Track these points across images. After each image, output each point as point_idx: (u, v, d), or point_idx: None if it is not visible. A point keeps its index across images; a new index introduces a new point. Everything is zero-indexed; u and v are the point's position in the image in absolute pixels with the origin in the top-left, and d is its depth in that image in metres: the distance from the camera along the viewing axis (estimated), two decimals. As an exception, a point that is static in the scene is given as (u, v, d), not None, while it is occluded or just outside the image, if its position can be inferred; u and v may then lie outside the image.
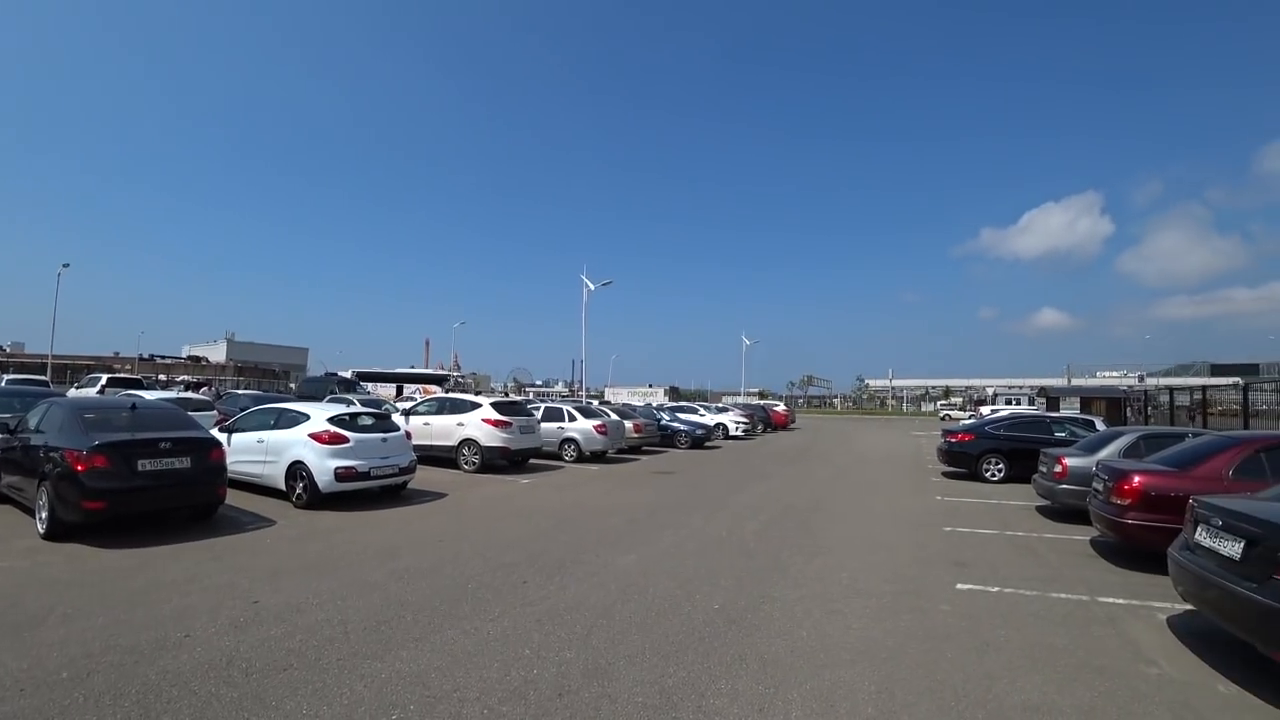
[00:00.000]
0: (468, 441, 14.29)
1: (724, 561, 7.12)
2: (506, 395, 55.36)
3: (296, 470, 9.56)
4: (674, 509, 10.45)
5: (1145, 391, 31.50)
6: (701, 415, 29.09)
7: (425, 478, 12.08)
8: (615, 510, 10.18)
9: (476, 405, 14.90)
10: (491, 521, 9.02)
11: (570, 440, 17.57)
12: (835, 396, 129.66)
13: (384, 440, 10.22)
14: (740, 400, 58.06)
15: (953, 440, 15.62)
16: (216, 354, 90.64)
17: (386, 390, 43.00)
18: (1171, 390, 25.32)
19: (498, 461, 14.36)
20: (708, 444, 25.04)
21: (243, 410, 12.55)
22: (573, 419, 17.95)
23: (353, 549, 7.20)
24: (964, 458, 15.16)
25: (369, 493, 10.31)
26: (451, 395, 17.29)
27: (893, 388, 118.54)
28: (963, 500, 12.09)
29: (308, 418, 10.05)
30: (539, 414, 17.30)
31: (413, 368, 58.03)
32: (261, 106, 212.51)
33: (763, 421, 36.29)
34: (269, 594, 5.50)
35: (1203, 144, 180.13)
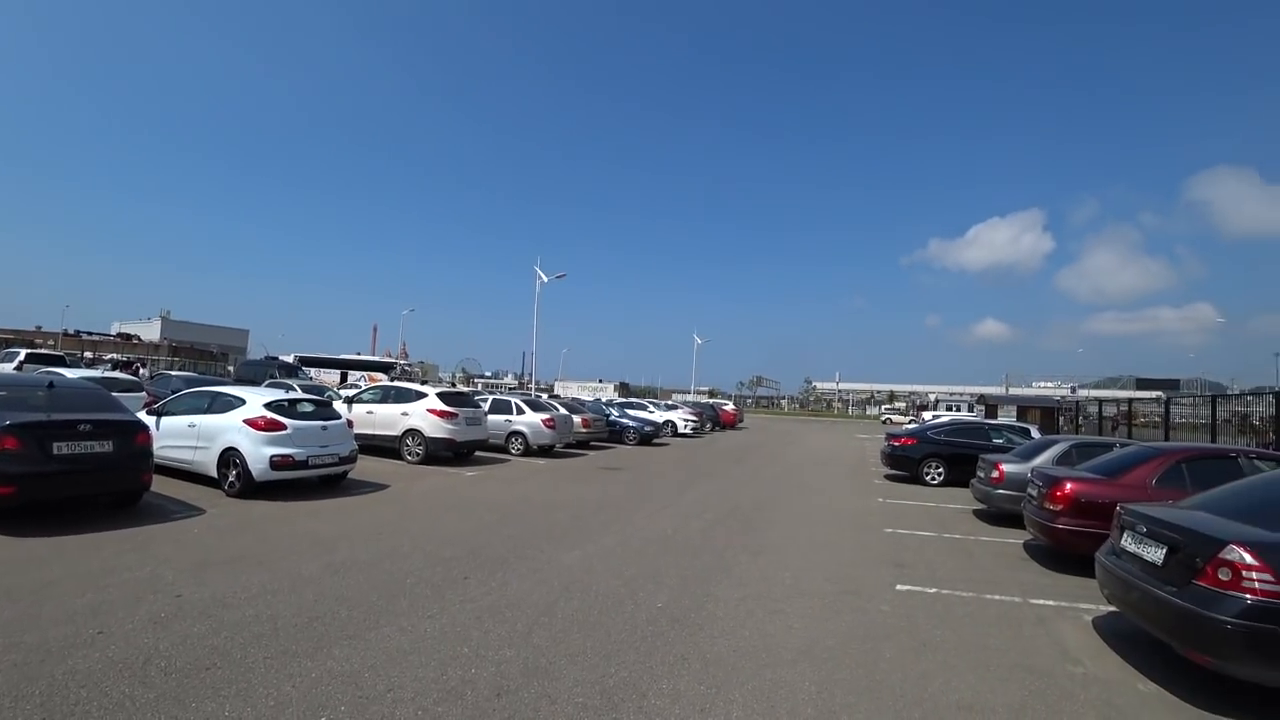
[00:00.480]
0: (412, 432, 13.94)
1: (668, 559, 7.12)
2: (454, 386, 54.49)
3: (229, 457, 9.15)
4: (620, 505, 10.42)
5: (1077, 402, 33.13)
6: (651, 412, 29.15)
7: (366, 468, 11.75)
8: (561, 506, 10.08)
9: (422, 395, 14.56)
10: (434, 514, 8.82)
11: (517, 433, 17.34)
12: (783, 397, 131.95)
13: (324, 428, 9.87)
14: (690, 398, 58.48)
15: (896, 444, 16.04)
16: (149, 332, 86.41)
17: (330, 376, 41.75)
18: (1100, 402, 26.69)
19: (442, 453, 14.07)
20: (656, 441, 25.10)
21: (174, 393, 11.95)
22: (521, 412, 17.72)
23: (287, 541, 6.92)
24: (906, 461, 15.56)
25: (306, 482, 9.96)
26: (396, 384, 16.83)
27: (839, 390, 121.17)
28: (904, 502, 12.40)
29: (244, 402, 9.63)
30: (486, 406, 17.02)
31: (358, 354, 56.43)
32: (208, 91, 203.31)
33: (711, 420, 36.68)
34: (194, 587, 5.22)
35: (1138, 170, 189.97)
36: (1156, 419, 20.56)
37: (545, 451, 17.82)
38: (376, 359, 57.12)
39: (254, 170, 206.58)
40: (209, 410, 9.78)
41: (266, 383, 20.38)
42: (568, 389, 78.40)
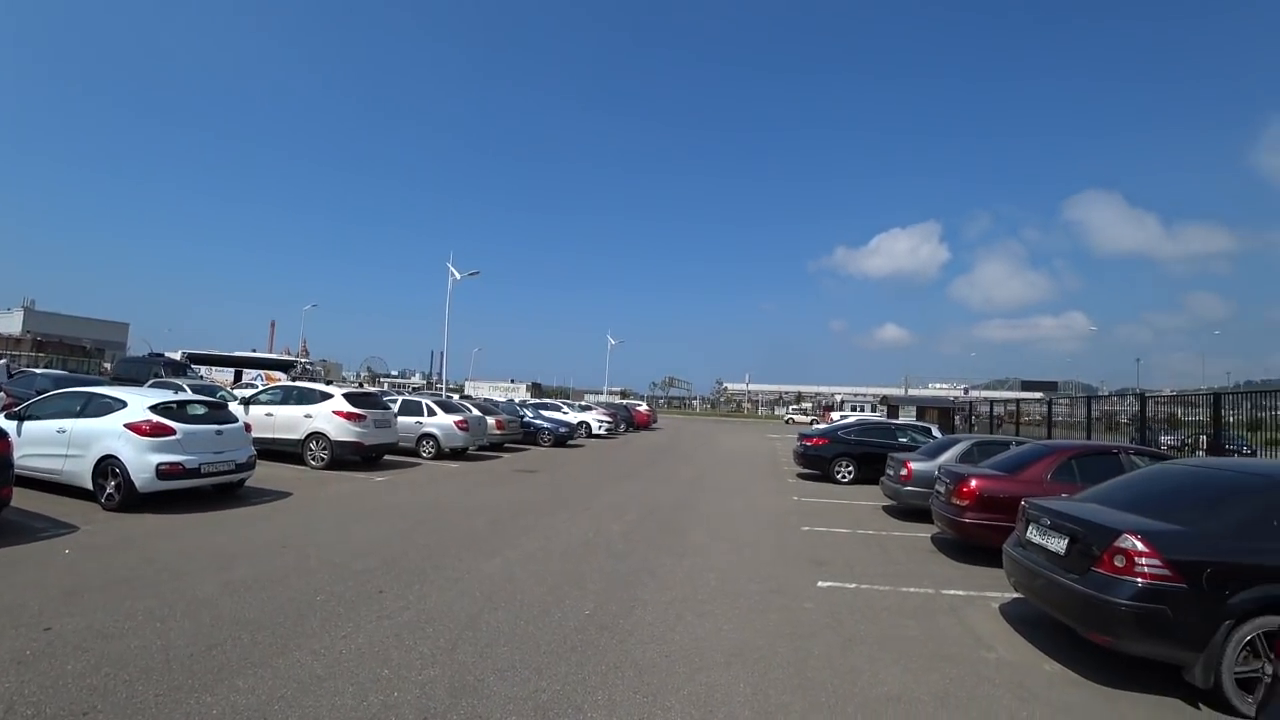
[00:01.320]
0: (316, 435, 13.14)
1: (592, 564, 7.00)
2: (361, 386, 52.07)
3: (107, 466, 8.26)
4: (539, 509, 10.20)
5: (970, 402, 35.47)
6: (565, 413, 28.93)
7: (266, 474, 10.95)
8: (477, 511, 9.76)
9: (327, 396, 13.75)
10: (342, 524, 8.31)
11: (429, 436, 16.71)
12: (694, 398, 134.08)
13: (219, 432, 9.09)
14: (603, 399, 58.52)
15: (808, 444, 16.55)
16: (10, 324, 77.58)
17: (223, 375, 39.03)
18: (991, 402, 28.69)
19: (349, 457, 13.35)
20: (571, 442, 24.90)
21: (40, 394, 10.74)
22: (432, 413, 17.10)
23: (177, 559, 6.28)
24: (818, 460, 16.08)
25: (198, 492, 9.15)
26: (299, 384, 15.78)
27: (749, 391, 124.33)
28: (818, 500, 12.79)
29: (124, 405, 8.74)
30: (396, 407, 16.30)
31: (254, 351, 52.92)
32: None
33: (626, 421, 36.77)
34: (66, 618, 4.60)
35: (1023, 190, 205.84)
36: (1040, 418, 22.31)
37: (458, 454, 17.28)
38: (275, 357, 53.77)
39: (137, 159, 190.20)
40: (83, 414, 8.80)
41: (150, 382, 18.78)
42: (479, 389, 76.56)
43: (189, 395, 10.32)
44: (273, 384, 18.29)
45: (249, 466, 9.50)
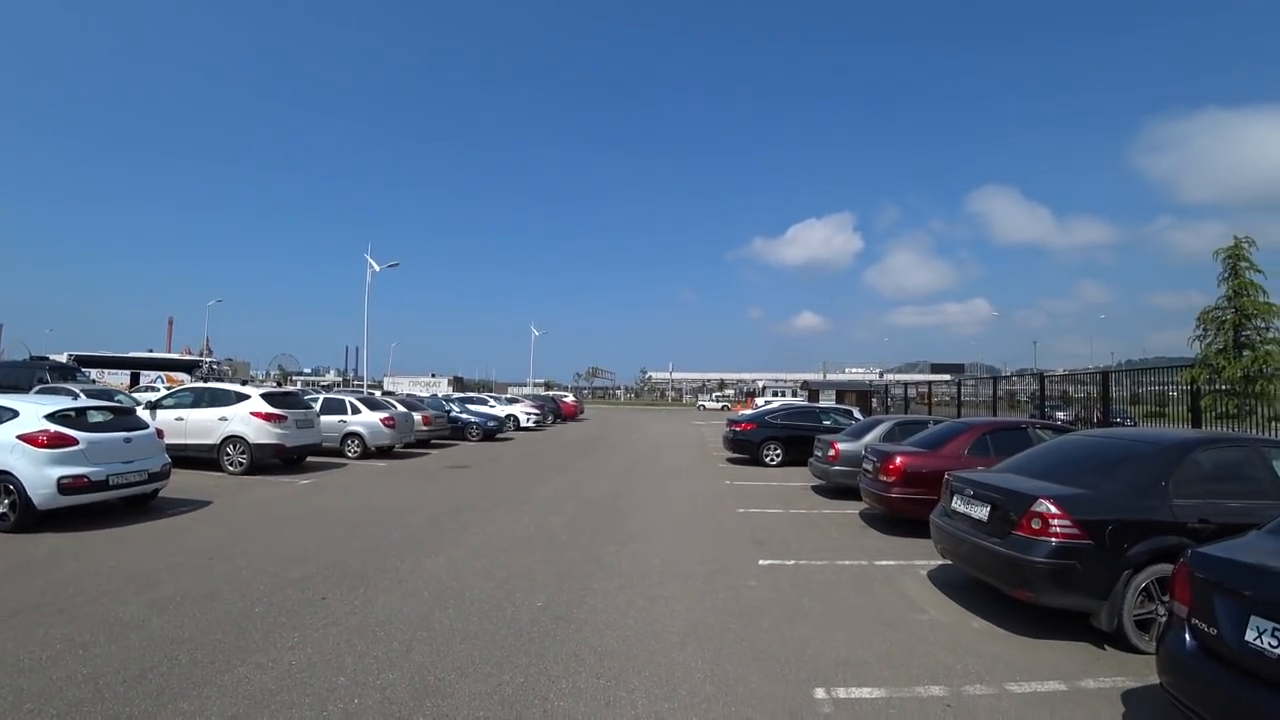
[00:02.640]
0: (233, 439, 12.46)
1: (538, 557, 7.01)
2: (279, 385, 49.51)
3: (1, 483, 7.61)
4: (476, 505, 10.08)
5: (885, 385, 37.25)
6: (492, 406, 28.51)
7: (180, 483, 10.29)
8: (413, 509, 9.55)
9: (244, 397, 13.04)
10: (271, 531, 7.96)
11: (354, 435, 16.13)
12: (619, 388, 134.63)
13: (127, 440, 8.46)
14: (527, 391, 57.89)
15: (737, 429, 16.98)
16: None
17: (117, 378, 36.14)
18: (905, 384, 30.28)
19: (270, 461, 12.75)
20: (500, 436, 24.60)
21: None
22: (356, 411, 16.51)
23: (92, 580, 5.82)
24: (747, 445, 16.53)
25: (106, 506, 8.50)
26: (211, 385, 14.83)
27: (673, 380, 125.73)
28: (750, 483, 13.18)
29: (15, 414, 7.99)
30: (318, 406, 15.65)
31: (151, 351, 49.17)
32: None
33: (553, 413, 36.68)
34: (-27, 648, 4.20)
35: (929, 183, 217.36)
36: (949, 398, 23.79)
37: (385, 453, 16.79)
38: (176, 357, 49.97)
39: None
40: (-36, 428, 8.03)
41: (37, 388, 17.29)
42: (399, 385, 74.25)
43: (89, 401, 9.55)
44: (179, 386, 17.12)
45: (163, 475, 8.92)
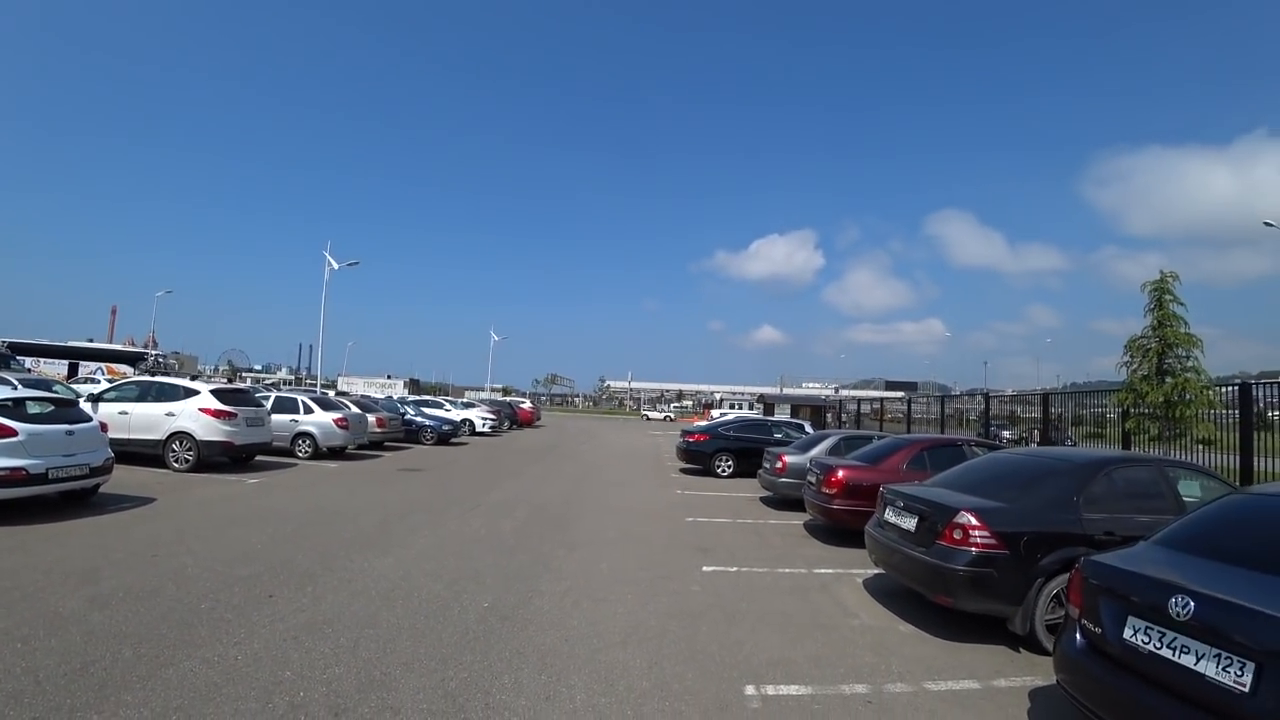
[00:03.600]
0: (180, 435, 12.18)
1: (487, 559, 7.11)
2: (231, 381, 48.05)
3: (-70, 475, 7.36)
4: (427, 508, 10.10)
5: (840, 401, 38.14)
6: (448, 410, 28.33)
7: (122, 479, 10.07)
8: (363, 511, 9.52)
9: (193, 392, 12.76)
10: (218, 529, 7.87)
11: (305, 435, 15.91)
12: (577, 395, 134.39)
13: (69, 433, 8.27)
14: (484, 396, 57.46)
15: (690, 440, 17.28)
16: None
17: (54, 368, 34.71)
18: (858, 400, 31.09)
19: (217, 459, 12.51)
20: (454, 440, 24.45)
21: None
22: (309, 411, 16.29)
23: (30, 574, 5.70)
24: (700, 455, 16.83)
25: (44, 501, 8.29)
26: (159, 379, 14.39)
27: (631, 389, 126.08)
28: (700, 493, 13.46)
29: (-51, 405, 7.80)
30: (269, 404, 15.40)
31: (91, 341, 47.23)
32: None
33: (510, 419, 36.50)
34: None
35: (890, 205, 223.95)
36: (901, 415, 24.54)
37: (336, 454, 16.59)
38: (119, 348, 47.98)
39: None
40: (-105, 417, 7.77)
41: (-33, 378, 16.59)
42: (353, 385, 72.89)
43: (29, 392, 9.31)
44: (126, 379, 16.61)
45: (105, 470, 8.73)
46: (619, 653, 4.60)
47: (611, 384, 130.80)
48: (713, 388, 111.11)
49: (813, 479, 9.38)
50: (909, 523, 5.77)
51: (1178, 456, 10.92)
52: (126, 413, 12.39)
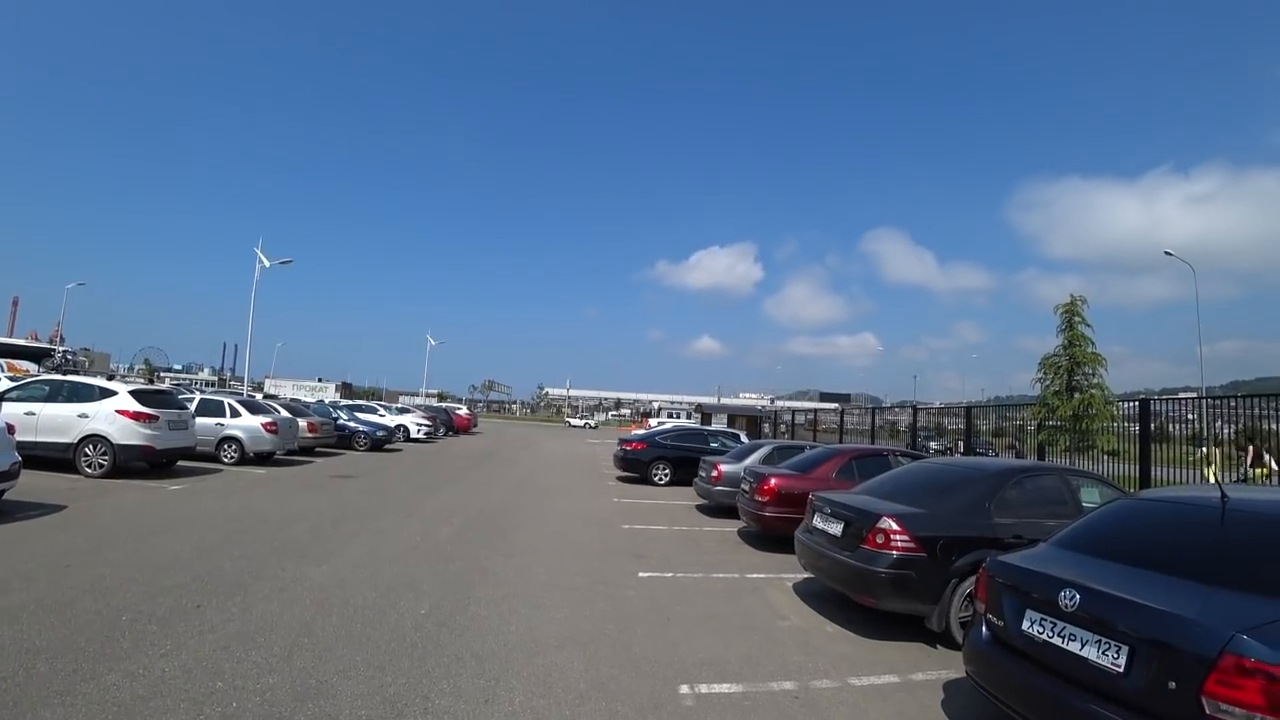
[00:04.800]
0: (94, 438, 11.53)
1: (423, 567, 7.07)
2: (152, 382, 45.45)
3: None
4: (361, 515, 9.91)
5: (775, 411, 39.10)
6: (382, 416, 27.77)
7: (31, 485, 9.47)
8: (294, 518, 9.28)
9: (110, 393, 12.10)
10: (138, 538, 7.53)
11: (232, 439, 15.30)
12: (514, 402, 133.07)
13: (-30, 438, 7.82)
14: (419, 401, 56.30)
15: (627, 448, 17.43)
16: None
17: (-61, 365, 32.07)
18: (794, 411, 31.97)
19: (135, 464, 11.92)
20: (388, 446, 23.96)
21: None
22: (236, 414, 15.68)
23: None
24: (637, 464, 17.00)
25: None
26: (72, 379, 13.53)
27: (570, 397, 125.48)
28: (637, 501, 13.62)
29: None
30: (193, 406, 14.75)
31: (-16, 336, 43.82)
32: None
33: (446, 425, 35.95)
34: None
35: (828, 220, 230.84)
36: (834, 425, 25.35)
37: (265, 459, 16.00)
38: (21, 342, 44.72)
39: None
40: None
41: None
42: (281, 388, 70.26)
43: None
44: (32, 378, 15.58)
45: (11, 476, 8.22)
46: (556, 656, 4.69)
47: (550, 391, 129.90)
48: (651, 396, 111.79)
49: (746, 487, 9.68)
50: (836, 528, 6.07)
51: (1087, 467, 11.75)
52: (34, 413, 11.65)
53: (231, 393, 22.01)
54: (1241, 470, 12.52)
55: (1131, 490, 8.13)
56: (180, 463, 13.57)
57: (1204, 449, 11.81)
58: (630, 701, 4.03)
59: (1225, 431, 13.36)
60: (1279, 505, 3.75)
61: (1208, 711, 2.62)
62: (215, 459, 15.15)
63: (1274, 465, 11.94)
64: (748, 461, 11.69)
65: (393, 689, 3.97)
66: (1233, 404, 12.01)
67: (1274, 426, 10.76)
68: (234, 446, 15.27)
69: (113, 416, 11.68)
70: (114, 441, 11.56)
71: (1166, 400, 12.42)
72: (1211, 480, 10.86)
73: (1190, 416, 13.05)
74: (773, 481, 9.03)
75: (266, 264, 31.47)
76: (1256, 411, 10.49)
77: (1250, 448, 12.48)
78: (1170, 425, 12.87)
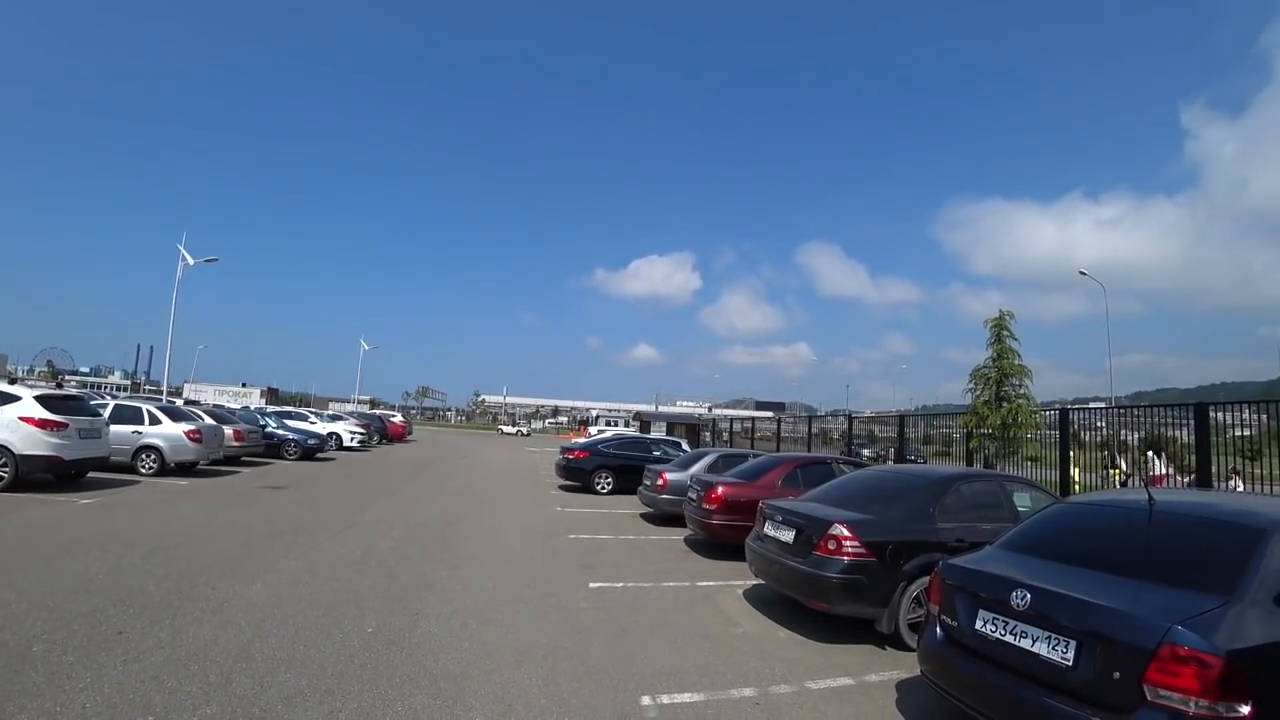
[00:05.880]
0: (-7, 449, 10.65)
1: (366, 583, 6.80)
2: (59, 386, 42.22)
3: None
4: (295, 529, 9.46)
5: (713, 419, 39.53)
6: (313, 423, 26.70)
7: (-84, 503, 8.70)
8: (223, 533, 8.78)
9: (12, 398, 11.13)
10: (46, 559, 6.94)
11: (151, 448, 14.34)
12: (450, 410, 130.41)
13: None
14: (351, 408, 54.49)
15: (570, 457, 17.30)
16: None
17: None
18: (731, 419, 32.42)
19: (40, 476, 11.05)
20: (320, 455, 23.04)
21: None
22: (155, 422, 14.72)
23: None
24: (579, 473, 16.88)
25: None
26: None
27: (507, 404, 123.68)
28: (581, 510, 13.50)
29: None
30: (107, 414, 13.79)
31: None
32: None
33: (380, 432, 34.95)
34: None
35: (764, 232, 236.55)
36: (771, 433, 25.87)
37: (187, 470, 15.13)
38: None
39: None
40: None
41: None
42: (202, 393, 66.52)
43: None
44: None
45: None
46: (514, 672, 4.58)
47: (486, 398, 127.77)
48: (589, 404, 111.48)
49: (693, 495, 9.73)
50: (787, 535, 6.17)
51: (1012, 472, 12.33)
52: (-77, 424, 10.66)
53: (149, 398, 20.71)
54: (1105, 473, 13.44)
55: (1057, 494, 8.58)
56: (91, 474, 12.67)
57: (1106, 453, 12.63)
58: (593, 716, 3.97)
59: (1131, 438, 14.27)
60: (1200, 506, 4.04)
61: (1149, 698, 2.81)
62: (132, 470, 14.20)
63: (1124, 467, 12.96)
64: (693, 470, 11.77)
65: (343, 714, 3.78)
66: (1137, 413, 12.83)
67: (1174, 434, 11.56)
68: (153, 456, 14.34)
69: (15, 424, 10.79)
70: (16, 452, 10.66)
71: (1080, 409, 13.21)
72: (1117, 483, 11.61)
73: (1100, 424, 13.86)
74: (720, 490, 9.10)
75: (190, 261, 29.67)
76: (1157, 419, 11.25)
77: (1106, 452, 13.37)
78: (1084, 433, 13.67)
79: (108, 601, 5.62)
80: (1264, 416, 8.87)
